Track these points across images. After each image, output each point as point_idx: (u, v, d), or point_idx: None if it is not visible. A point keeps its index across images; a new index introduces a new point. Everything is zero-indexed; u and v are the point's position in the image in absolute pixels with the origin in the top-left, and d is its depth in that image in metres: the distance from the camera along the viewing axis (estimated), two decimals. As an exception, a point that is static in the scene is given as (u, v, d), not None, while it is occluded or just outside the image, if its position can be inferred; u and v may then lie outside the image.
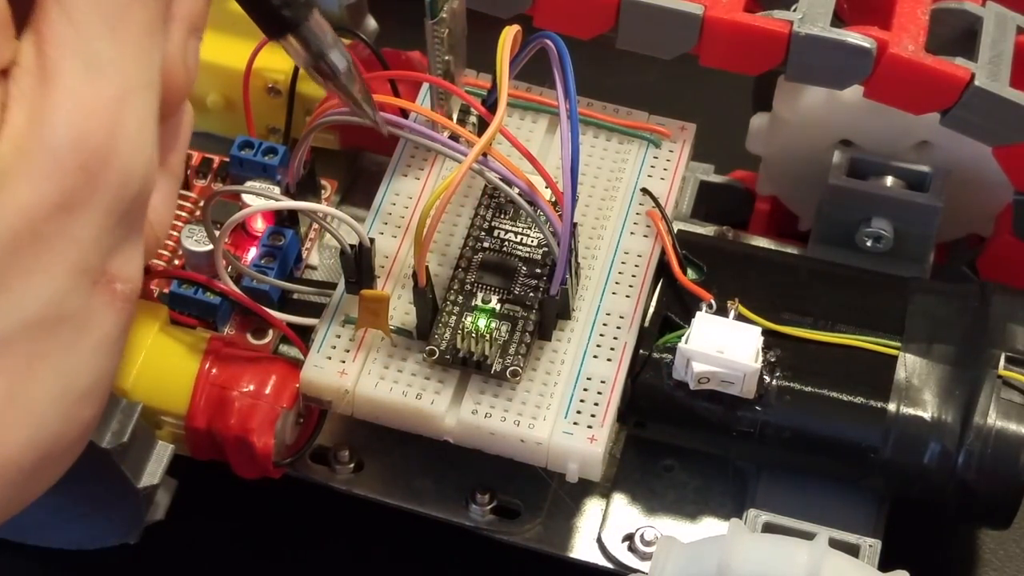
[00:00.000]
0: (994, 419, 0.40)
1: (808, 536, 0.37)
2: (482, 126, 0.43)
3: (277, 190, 0.45)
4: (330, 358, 0.41)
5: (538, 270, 0.42)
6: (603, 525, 0.44)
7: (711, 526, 0.44)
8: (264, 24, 0.36)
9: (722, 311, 0.42)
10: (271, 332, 0.45)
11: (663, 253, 0.43)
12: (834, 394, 0.41)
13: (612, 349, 0.41)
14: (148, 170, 0.31)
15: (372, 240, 0.41)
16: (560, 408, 0.40)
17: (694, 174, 0.53)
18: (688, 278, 0.43)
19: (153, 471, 0.42)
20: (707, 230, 0.49)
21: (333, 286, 0.43)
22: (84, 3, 0.30)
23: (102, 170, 0.30)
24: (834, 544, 0.38)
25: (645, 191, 0.44)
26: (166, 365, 0.42)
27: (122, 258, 0.31)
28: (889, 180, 0.47)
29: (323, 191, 0.49)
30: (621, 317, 0.42)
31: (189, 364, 0.42)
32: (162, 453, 0.42)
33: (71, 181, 0.29)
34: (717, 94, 0.53)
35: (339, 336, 0.41)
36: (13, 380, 0.30)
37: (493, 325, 0.40)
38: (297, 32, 0.36)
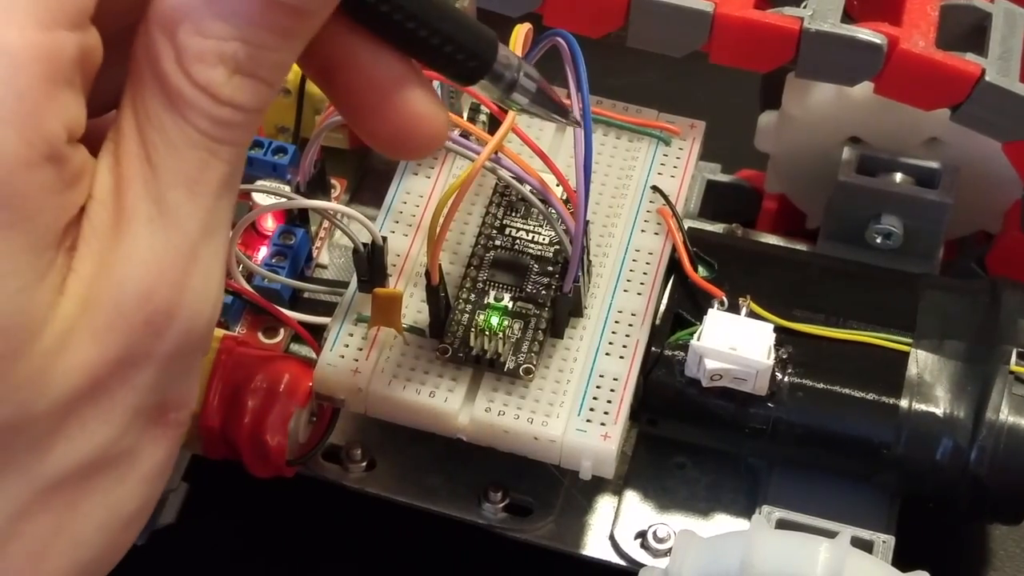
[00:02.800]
0: (1006, 415, 0.40)
1: (822, 532, 0.37)
2: (492, 124, 0.43)
3: (287, 189, 0.45)
4: (343, 356, 0.41)
5: (550, 268, 0.42)
6: (615, 522, 0.44)
7: (723, 523, 0.44)
8: (452, 75, 0.34)
9: (734, 308, 0.42)
10: (283, 331, 0.45)
11: (674, 250, 0.43)
12: (846, 390, 0.42)
13: (624, 346, 0.41)
14: (212, 317, 0.30)
15: (384, 238, 0.41)
16: (573, 405, 0.40)
17: (701, 173, 0.53)
18: (699, 275, 0.43)
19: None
20: (716, 228, 0.50)
21: (345, 284, 0.43)
22: (165, 149, 0.28)
23: (167, 324, 0.29)
24: (847, 540, 0.38)
25: (655, 189, 0.44)
26: (179, 364, 0.42)
27: (179, 390, 0.30)
28: (899, 177, 0.47)
29: (333, 190, 0.49)
30: (633, 315, 0.42)
31: (202, 363, 0.42)
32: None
33: (135, 337, 0.28)
34: (722, 93, 0.53)
35: (352, 334, 0.41)
36: (62, 515, 0.29)
37: (506, 323, 0.40)
38: (487, 76, 0.34)
